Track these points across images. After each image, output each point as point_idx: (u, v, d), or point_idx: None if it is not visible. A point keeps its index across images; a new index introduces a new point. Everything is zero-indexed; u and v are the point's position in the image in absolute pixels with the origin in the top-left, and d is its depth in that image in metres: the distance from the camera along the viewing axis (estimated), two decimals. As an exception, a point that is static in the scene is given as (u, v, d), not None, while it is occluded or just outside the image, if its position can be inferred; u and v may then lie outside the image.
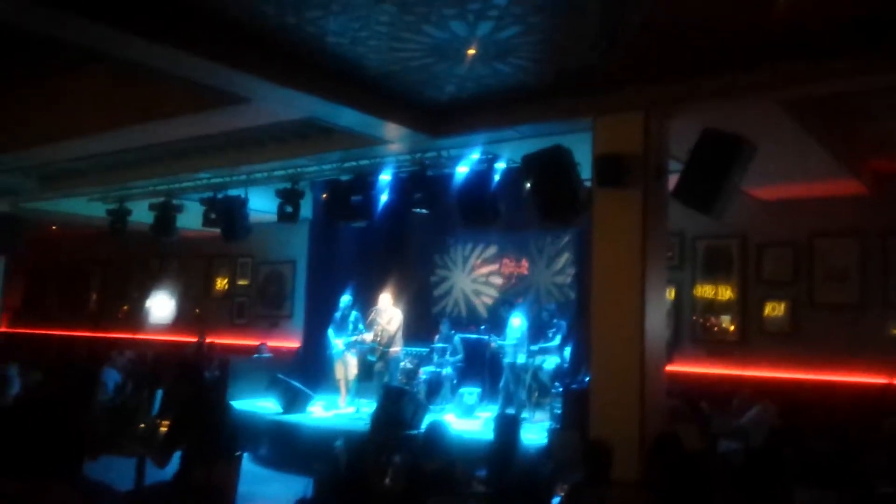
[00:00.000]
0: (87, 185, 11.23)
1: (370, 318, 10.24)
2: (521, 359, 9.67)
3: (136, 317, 16.78)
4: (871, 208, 9.13)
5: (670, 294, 9.93)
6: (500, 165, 8.30)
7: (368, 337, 10.09)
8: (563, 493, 4.98)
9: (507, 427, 5.67)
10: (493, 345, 10.15)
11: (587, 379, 6.94)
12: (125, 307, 17.31)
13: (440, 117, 7.47)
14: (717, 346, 10.01)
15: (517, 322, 9.91)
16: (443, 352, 10.73)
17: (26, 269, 18.15)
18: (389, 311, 10.22)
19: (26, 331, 17.55)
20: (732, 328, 9.99)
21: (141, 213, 11.34)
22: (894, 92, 6.27)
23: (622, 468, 4.91)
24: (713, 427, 7.78)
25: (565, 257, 11.36)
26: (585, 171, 6.59)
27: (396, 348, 10.17)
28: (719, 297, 10.14)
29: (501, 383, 9.81)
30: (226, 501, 5.18)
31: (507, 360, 9.80)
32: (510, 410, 9.09)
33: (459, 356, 10.71)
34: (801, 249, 9.57)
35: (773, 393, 8.58)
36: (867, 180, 8.84)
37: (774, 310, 9.73)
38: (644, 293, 6.07)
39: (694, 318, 10.24)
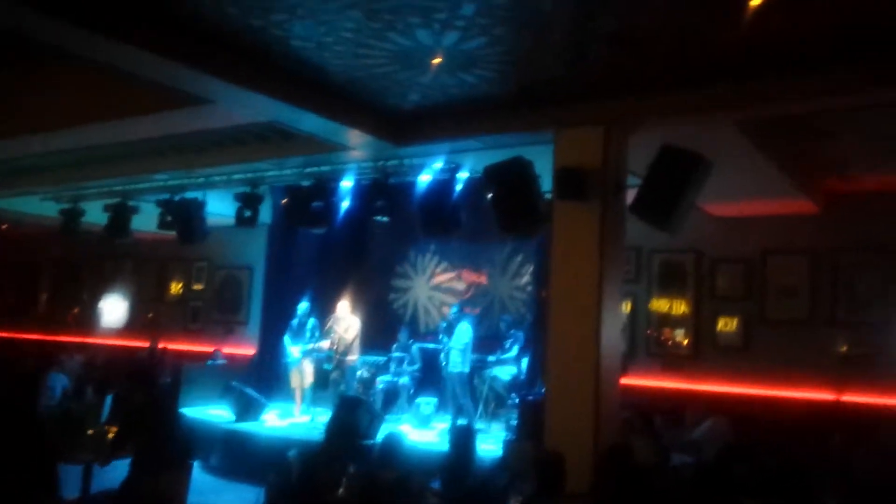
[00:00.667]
0: (41, 183, 10.95)
1: (327, 325, 10.17)
2: (464, 368, 9.65)
3: (87, 320, 16.41)
4: (822, 227, 9.36)
5: (626, 307, 10.05)
6: (463, 175, 8.32)
7: (325, 345, 10.01)
8: (516, 505, 4.98)
9: (462, 438, 5.65)
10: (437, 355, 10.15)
11: (543, 390, 6.96)
12: (76, 309, 16.91)
13: (403, 125, 7.46)
14: (670, 360, 10.14)
15: (463, 329, 9.90)
16: (400, 361, 10.70)
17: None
18: (347, 319, 10.16)
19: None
20: (686, 342, 10.14)
21: (95, 214, 11.09)
22: (847, 113, 6.45)
23: (575, 480, 4.93)
24: (665, 440, 7.87)
25: (525, 268, 11.43)
26: (546, 184, 6.64)
27: (353, 357, 10.10)
28: (674, 312, 10.29)
29: (448, 393, 9.78)
30: (175, 510, 5.07)
31: (450, 369, 9.77)
32: (463, 421, 9.07)
33: (417, 366, 10.68)
34: (753, 266, 9.77)
35: (724, 407, 8.72)
36: (819, 200, 9.07)
37: (727, 325, 9.90)
38: (601, 305, 6.13)
39: (649, 331, 10.37)
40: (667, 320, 10.32)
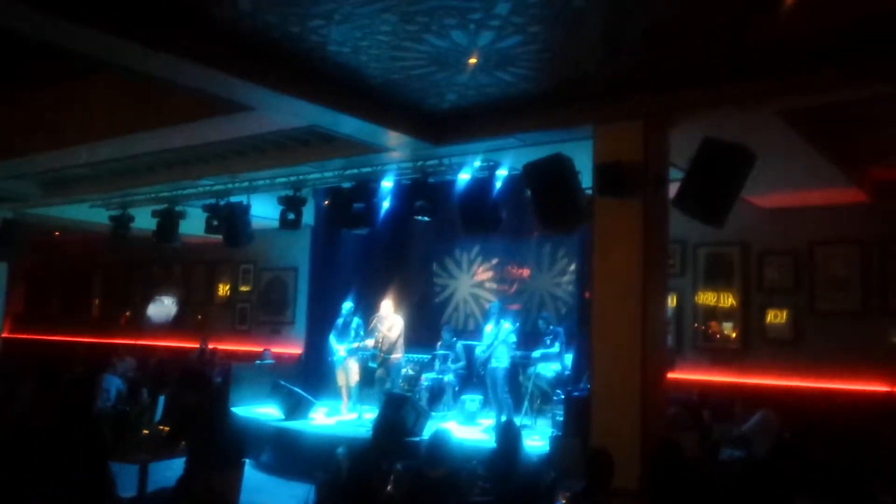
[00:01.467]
0: (90, 191, 11.28)
1: (372, 324, 10.27)
2: (506, 364, 9.65)
3: (138, 323, 16.83)
4: (871, 216, 9.16)
5: (672, 301, 9.95)
6: (502, 173, 8.33)
7: (370, 343, 10.11)
8: (564, 501, 4.99)
9: (508, 434, 5.67)
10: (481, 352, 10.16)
11: (588, 386, 6.95)
12: (127, 313, 17.36)
13: (441, 125, 7.51)
14: (718, 354, 10.03)
15: (489, 328, 9.90)
16: (444, 358, 10.75)
17: (29, 275, 18.20)
18: (391, 318, 10.25)
19: (28, 336, 17.57)
20: (734, 335, 10.00)
21: (144, 220, 11.37)
22: (893, 100, 6.31)
23: (623, 476, 4.92)
24: (714, 435, 7.78)
25: (567, 265, 11.38)
26: (586, 180, 6.62)
27: (398, 355, 10.19)
28: (721, 305, 10.16)
29: (489, 389, 9.80)
30: (228, 508, 5.20)
31: (491, 365, 9.76)
32: (509, 417, 9.08)
33: (462, 363, 10.72)
34: (801, 257, 9.59)
35: (775, 400, 8.58)
36: (867, 188, 8.86)
37: (776, 317, 9.75)
38: (645, 301, 6.10)
39: (696, 325, 10.26)
40: (714, 314, 10.20)
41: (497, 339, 9.83)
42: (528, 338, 10.32)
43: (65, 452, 4.35)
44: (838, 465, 5.44)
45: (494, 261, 12.17)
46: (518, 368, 9.94)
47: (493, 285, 12.12)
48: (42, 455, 4.19)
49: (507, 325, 9.84)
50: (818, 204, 9.34)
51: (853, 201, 9.08)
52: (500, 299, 11.21)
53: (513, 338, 9.80)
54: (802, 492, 4.74)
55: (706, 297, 10.27)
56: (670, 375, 7.35)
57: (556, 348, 9.88)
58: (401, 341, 10.22)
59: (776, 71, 5.65)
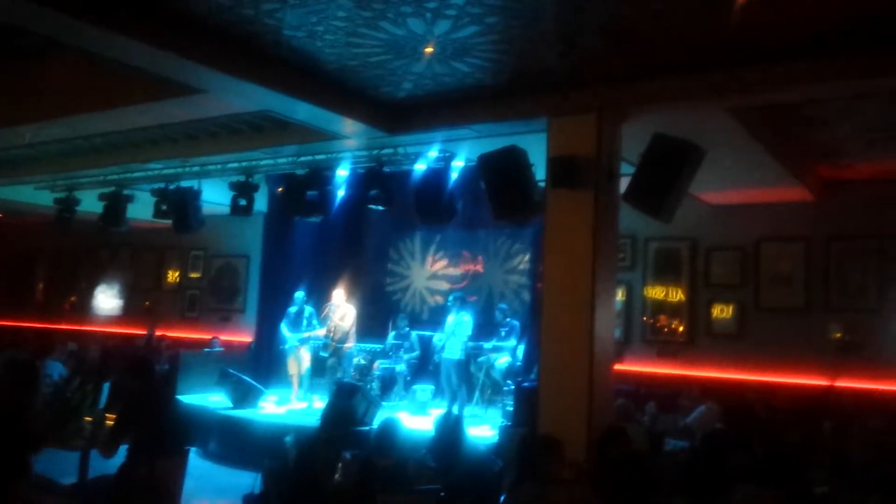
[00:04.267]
0: (36, 172, 10.99)
1: (324, 313, 10.23)
2: (461, 356, 9.72)
3: (83, 308, 16.47)
4: (816, 214, 9.43)
5: (621, 294, 10.12)
6: (458, 164, 8.36)
7: (322, 332, 10.08)
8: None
9: (447, 424, 5.72)
10: (435, 342, 10.23)
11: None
12: (73, 298, 16.97)
13: (397, 114, 7.49)
14: (666, 347, 10.23)
15: (451, 319, 9.97)
16: (397, 348, 10.76)
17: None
18: (343, 307, 10.22)
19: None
20: (681, 329, 10.21)
21: (90, 203, 11.12)
22: (841, 100, 6.49)
23: (569, 466, 4.99)
24: (659, 426, 7.95)
25: (520, 256, 11.48)
26: (540, 172, 6.68)
27: (349, 344, 10.18)
28: (669, 299, 10.36)
29: (443, 379, 9.87)
30: (171, 496, 5.14)
31: (445, 356, 9.84)
32: (453, 410, 9.13)
33: (416, 353, 10.75)
34: (748, 253, 9.83)
35: (718, 393, 8.80)
36: (813, 187, 9.11)
37: (722, 312, 9.98)
38: (594, 293, 6.18)
39: (644, 318, 10.44)
40: (662, 307, 10.40)
41: (452, 331, 9.88)
42: (483, 329, 10.39)
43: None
44: (777, 457, 5.60)
45: (449, 252, 12.21)
46: (470, 359, 10.00)
47: (448, 275, 12.16)
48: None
49: (467, 318, 9.89)
50: (765, 201, 9.57)
51: (799, 199, 9.32)
52: (455, 290, 11.25)
53: (468, 330, 9.86)
54: (743, 482, 4.87)
55: (655, 291, 10.46)
56: (618, 367, 7.48)
57: (511, 341, 9.98)
58: (353, 330, 10.21)
59: (728, 68, 5.75)
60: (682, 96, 6.15)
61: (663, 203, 5.80)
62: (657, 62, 5.95)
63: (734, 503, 4.91)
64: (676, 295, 10.30)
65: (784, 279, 9.56)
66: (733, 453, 5.77)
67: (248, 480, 5.47)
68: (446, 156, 8.28)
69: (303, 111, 7.16)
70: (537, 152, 6.56)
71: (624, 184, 6.21)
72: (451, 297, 10.58)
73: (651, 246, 10.45)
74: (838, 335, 9.18)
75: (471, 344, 9.98)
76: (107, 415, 6.28)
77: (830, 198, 9.30)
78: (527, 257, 11.28)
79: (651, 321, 10.41)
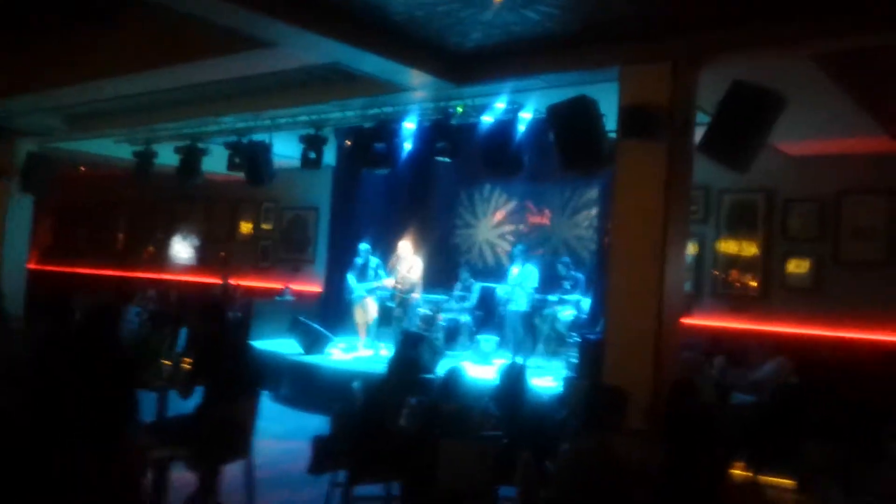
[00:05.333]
0: (114, 126, 11.34)
1: (391, 264, 10.37)
2: (525, 307, 9.74)
3: (161, 258, 17.09)
4: (900, 166, 8.99)
5: (693, 248, 9.91)
6: (526, 115, 8.25)
7: (389, 283, 10.22)
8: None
9: (511, 373, 5.76)
10: (500, 294, 10.29)
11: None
12: (151, 248, 17.61)
13: (465, 65, 7.41)
14: (738, 301, 10.00)
15: (516, 271, 9.97)
16: (462, 299, 10.85)
17: (55, 209, 18.46)
18: (410, 259, 10.33)
19: (54, 268, 17.92)
20: (755, 283, 9.96)
21: (167, 156, 11.44)
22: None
23: (634, 418, 4.98)
24: (728, 380, 7.83)
25: (588, 210, 11.34)
26: (610, 123, 6.54)
27: (416, 295, 10.30)
28: (743, 252, 10.09)
29: (507, 331, 9.93)
30: (244, 436, 5.36)
31: (511, 307, 9.88)
32: (517, 359, 9.21)
33: (473, 303, 10.83)
34: (828, 206, 9.47)
35: (792, 349, 8.59)
36: (899, 137, 8.67)
37: (798, 266, 9.68)
38: (664, 246, 6.07)
39: (716, 272, 10.22)
40: (735, 261, 10.14)
41: (518, 282, 9.92)
42: (548, 282, 10.37)
43: (89, 377, 4.47)
44: (851, 414, 5.46)
45: (515, 204, 12.16)
46: (535, 311, 10.02)
47: (513, 228, 12.13)
48: (62, 383, 4.29)
49: (532, 270, 9.90)
50: (847, 152, 9.16)
51: (882, 150, 8.89)
52: (520, 242, 11.23)
53: (534, 282, 9.86)
54: (811, 437, 4.79)
55: (728, 245, 10.20)
56: (688, 321, 7.37)
57: (576, 294, 9.94)
58: (419, 282, 10.32)
59: (811, 12, 5.48)
60: (762, 43, 5.90)
61: (741, 154, 5.63)
62: (734, 7, 5.70)
63: (802, 457, 4.84)
64: (751, 248, 10.03)
65: (865, 232, 9.19)
66: (804, 408, 5.67)
67: (317, 423, 5.67)
68: (514, 107, 8.18)
69: (371, 63, 7.15)
70: (607, 102, 6.41)
71: (698, 134, 6.04)
72: (515, 249, 10.58)
73: (725, 198, 10.16)
74: (921, 291, 8.80)
75: (536, 296, 9.99)
76: (184, 358, 6.56)
77: (917, 148, 8.83)
78: (594, 211, 11.14)
79: (723, 275, 10.18)
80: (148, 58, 8.09)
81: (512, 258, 10.56)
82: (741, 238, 10.08)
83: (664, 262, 6.08)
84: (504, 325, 10.11)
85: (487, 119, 8.39)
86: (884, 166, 9.06)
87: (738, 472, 4.73)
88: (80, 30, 8.50)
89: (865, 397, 6.16)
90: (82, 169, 16.55)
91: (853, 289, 9.15)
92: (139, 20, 7.76)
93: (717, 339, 9.26)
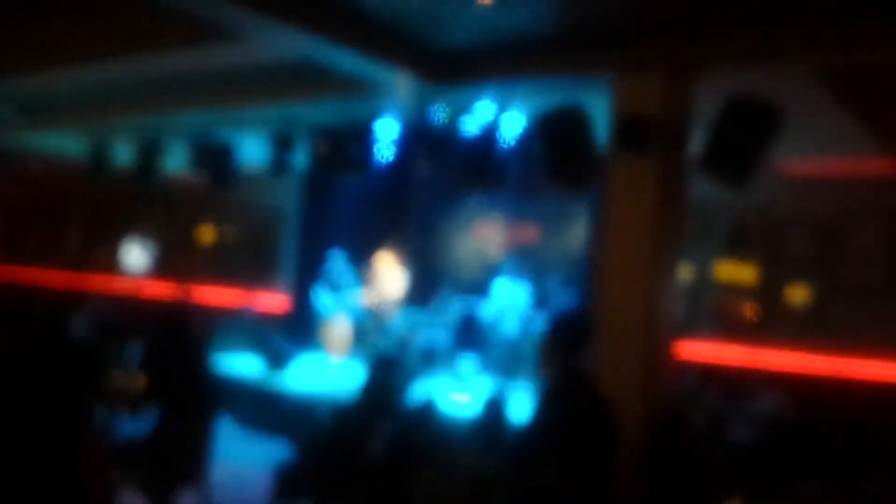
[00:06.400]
0: (69, 120, 11.18)
1: (365, 277, 10.29)
2: (513, 329, 9.71)
3: (115, 263, 16.85)
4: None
5: (687, 271, 9.94)
6: (510, 122, 8.22)
7: (361, 297, 10.13)
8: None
9: (495, 403, 5.71)
10: (484, 312, 10.24)
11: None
12: (105, 252, 17.36)
13: (447, 66, 7.38)
14: (733, 328, 10.02)
15: (504, 290, 9.95)
16: (440, 317, 10.77)
17: (2, 206, 18.17)
18: (392, 273, 10.26)
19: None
20: (751, 309, 10.00)
21: (125, 154, 11.29)
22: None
23: (625, 447, 4.93)
24: (722, 413, 7.83)
25: (576, 225, 11.33)
26: (600, 132, 6.53)
27: (393, 310, 10.21)
28: (739, 276, 10.13)
29: (489, 352, 9.88)
30: (200, 460, 5.24)
31: (498, 329, 9.83)
32: (499, 392, 9.15)
33: (454, 322, 10.76)
34: (826, 229, 9.53)
35: (789, 380, 8.61)
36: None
37: (796, 292, 9.73)
38: (657, 268, 6.07)
39: (711, 296, 10.24)
40: (731, 286, 10.18)
41: (509, 303, 9.88)
42: (533, 301, 10.33)
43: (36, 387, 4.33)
44: (846, 452, 5.48)
45: (498, 216, 12.12)
46: (522, 333, 9.97)
47: (496, 242, 12.09)
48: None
49: (523, 291, 9.87)
50: (848, 174, 9.25)
51: (883, 173, 8.98)
52: (509, 260, 11.19)
53: (525, 304, 9.84)
54: (809, 476, 4.78)
55: (724, 268, 10.24)
56: (681, 349, 7.35)
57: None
58: (397, 297, 10.26)
59: (811, 24, 5.52)
60: (762, 53, 5.93)
61: (739, 172, 5.64)
62: (733, 15, 5.73)
63: (799, 495, 4.84)
64: (747, 272, 10.07)
65: (866, 258, 9.28)
66: (801, 446, 5.67)
67: (281, 448, 5.56)
68: (498, 112, 8.15)
69: (345, 60, 7.09)
70: (596, 111, 6.40)
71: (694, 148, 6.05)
72: (505, 268, 10.54)
73: (721, 218, 10.20)
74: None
75: (525, 316, 9.95)
76: (136, 374, 6.42)
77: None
78: (583, 227, 11.13)
79: (718, 300, 10.21)
80: (104, 46, 7.99)
81: (500, 274, 10.53)
82: (737, 261, 10.12)
83: (656, 285, 6.07)
84: (487, 345, 10.05)
85: (469, 124, 8.34)
86: (884, 189, 9.14)
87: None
88: (32, 14, 8.37)
89: (869, 435, 6.18)
90: (34, 164, 16.31)
91: (853, 316, 9.20)
92: (95, 5, 7.65)
93: (712, 368, 9.27)
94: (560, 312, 5.43)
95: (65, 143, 12.36)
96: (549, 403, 3.96)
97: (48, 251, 18.01)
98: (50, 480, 3.05)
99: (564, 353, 3.99)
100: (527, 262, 11.50)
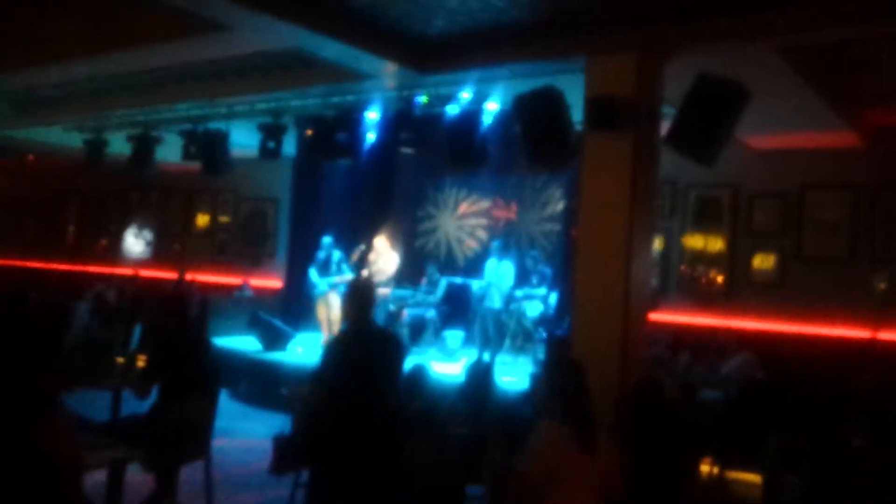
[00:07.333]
0: (64, 113, 11.07)
1: (355, 258, 10.31)
2: (497, 303, 9.77)
3: (114, 251, 16.76)
4: (864, 161, 9.16)
5: (659, 243, 10.00)
6: (491, 106, 8.24)
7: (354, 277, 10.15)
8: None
9: (478, 373, 5.75)
10: (472, 288, 10.30)
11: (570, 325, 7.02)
12: (103, 241, 17.27)
13: (429, 53, 7.36)
14: (703, 296, 10.12)
15: (492, 267, 10.02)
16: (427, 294, 10.82)
17: (1, 199, 18.01)
18: (387, 254, 10.29)
19: (1, 262, 17.49)
20: (720, 279, 10.09)
21: (119, 145, 11.21)
22: (894, 41, 6.24)
23: (600, 414, 5.00)
24: (693, 375, 7.94)
25: (555, 203, 11.38)
26: (577, 114, 6.55)
27: (385, 290, 10.24)
28: (709, 248, 10.21)
29: (477, 327, 9.94)
30: (203, 435, 5.27)
31: (487, 304, 9.89)
32: (484, 356, 9.22)
33: (438, 299, 10.82)
34: (792, 201, 9.62)
35: (757, 344, 8.73)
36: (862, 132, 8.83)
37: (763, 262, 9.82)
38: (630, 240, 6.10)
39: (682, 266, 10.33)
40: (701, 256, 10.26)
41: (494, 280, 9.93)
42: (515, 276, 10.39)
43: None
44: (814, 407, 5.57)
45: (481, 197, 12.15)
46: (503, 306, 10.04)
47: (479, 222, 12.13)
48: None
49: (509, 267, 9.91)
50: (811, 147, 9.31)
51: (847, 145, 9.06)
52: (496, 238, 11.23)
53: (510, 279, 9.89)
54: (776, 431, 4.87)
55: (694, 240, 10.32)
56: (654, 317, 7.43)
57: (542, 290, 9.97)
58: (391, 278, 10.30)
59: (778, 4, 5.55)
60: (728, 34, 5.95)
61: (706, 147, 5.67)
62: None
63: (768, 452, 4.92)
64: (716, 244, 10.16)
65: (828, 228, 9.37)
66: (769, 403, 5.76)
67: (278, 422, 5.60)
68: (479, 98, 8.15)
69: (331, 49, 7.06)
70: (575, 93, 6.42)
71: (665, 126, 6.08)
72: (493, 245, 10.58)
73: (691, 192, 10.28)
74: (882, 286, 8.99)
75: (510, 293, 10.01)
76: (139, 356, 6.43)
77: (879, 144, 9.01)
78: (561, 204, 11.19)
79: (689, 270, 10.30)
80: (97, 41, 7.90)
81: (489, 253, 10.57)
82: (707, 232, 10.20)
83: (630, 257, 6.11)
84: (474, 321, 10.11)
85: (452, 109, 8.35)
86: (847, 161, 9.23)
87: (705, 468, 4.79)
88: (25, 10, 8.26)
89: (828, 391, 6.29)
90: (31, 158, 16.15)
91: (816, 284, 9.32)
92: (90, 1, 7.57)
93: (683, 335, 9.37)
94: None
95: (61, 136, 12.23)
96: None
97: (48, 242, 17.88)
98: (13, 461, 3.01)
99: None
100: (509, 239, 11.57)
